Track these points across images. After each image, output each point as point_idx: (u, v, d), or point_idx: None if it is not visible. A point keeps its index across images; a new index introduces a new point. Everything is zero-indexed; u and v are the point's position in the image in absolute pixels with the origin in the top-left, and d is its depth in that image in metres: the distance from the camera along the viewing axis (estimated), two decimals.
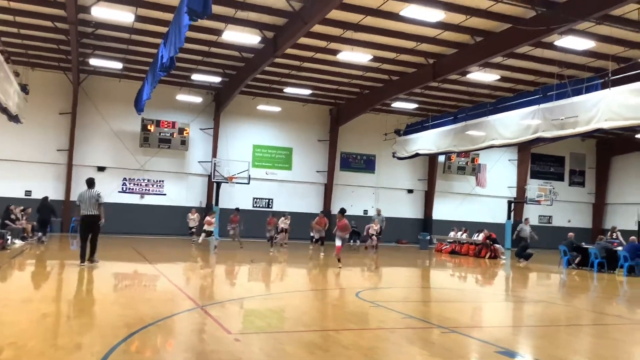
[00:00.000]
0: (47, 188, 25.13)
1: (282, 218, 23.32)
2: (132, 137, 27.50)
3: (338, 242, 15.84)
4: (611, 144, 35.66)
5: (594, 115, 16.72)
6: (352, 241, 27.13)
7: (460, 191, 34.19)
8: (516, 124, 20.40)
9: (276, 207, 28.59)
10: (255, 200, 29.88)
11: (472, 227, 27.19)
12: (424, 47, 20.48)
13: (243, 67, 23.71)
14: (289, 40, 18.58)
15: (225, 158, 28.16)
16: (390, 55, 21.60)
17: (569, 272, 18.22)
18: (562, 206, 35.43)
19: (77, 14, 17.80)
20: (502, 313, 10.14)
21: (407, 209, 32.96)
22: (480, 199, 34.38)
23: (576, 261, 19.08)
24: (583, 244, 20.35)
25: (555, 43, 18.48)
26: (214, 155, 28.34)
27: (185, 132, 27.92)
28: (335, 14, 17.28)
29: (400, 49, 20.83)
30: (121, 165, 27.44)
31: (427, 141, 26.18)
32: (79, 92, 26.40)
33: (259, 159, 30.03)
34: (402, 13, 16.87)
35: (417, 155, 27.54)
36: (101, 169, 26.95)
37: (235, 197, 27.93)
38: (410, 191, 33.31)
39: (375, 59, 21.73)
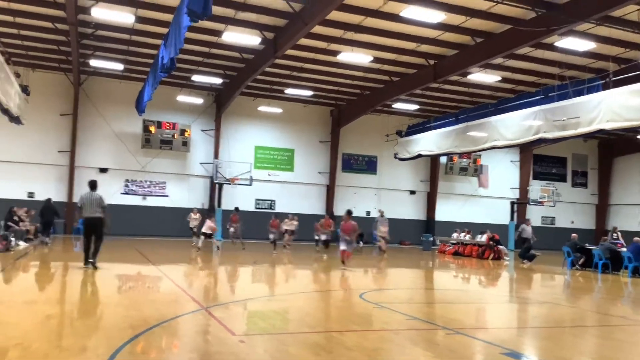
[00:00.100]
0: (50, 190, 25.19)
1: (286, 220, 23.32)
2: (133, 139, 27.51)
3: (342, 246, 15.07)
4: (613, 145, 35.67)
5: (596, 116, 16.71)
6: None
7: (462, 192, 34.17)
8: (518, 124, 20.40)
9: (278, 209, 28.59)
10: (257, 201, 29.88)
11: (475, 228, 27.16)
12: (425, 48, 20.48)
13: (243, 68, 23.72)
14: (289, 41, 18.59)
15: (227, 159, 28.17)
16: (391, 56, 21.60)
17: (573, 273, 18.19)
18: (565, 207, 35.41)
19: (77, 14, 17.84)
20: (507, 314, 10.11)
21: (410, 210, 32.95)
22: (483, 200, 34.35)
23: (580, 262, 19.04)
24: (587, 245, 20.31)
25: (556, 44, 18.49)
26: (216, 156, 28.36)
27: (186, 133, 27.94)
28: (335, 15, 17.29)
29: (400, 50, 20.83)
30: (123, 166, 27.46)
31: (429, 142, 26.16)
32: (79, 93, 26.44)
33: (261, 160, 30.04)
34: (402, 14, 16.88)
35: (419, 156, 27.52)
36: (103, 170, 26.96)
37: (237, 199, 27.91)
38: (412, 192, 33.30)
39: (376, 60, 21.74)
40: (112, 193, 25.54)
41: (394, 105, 28.86)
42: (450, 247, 25.63)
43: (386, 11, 17.25)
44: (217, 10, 15.91)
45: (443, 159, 32.65)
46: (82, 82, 26.40)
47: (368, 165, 32.31)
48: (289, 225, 23.32)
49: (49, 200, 20.74)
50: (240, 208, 26.56)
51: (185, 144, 27.98)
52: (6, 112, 18.37)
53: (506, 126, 21.12)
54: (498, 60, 20.84)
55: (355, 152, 31.97)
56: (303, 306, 9.29)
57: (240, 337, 6.43)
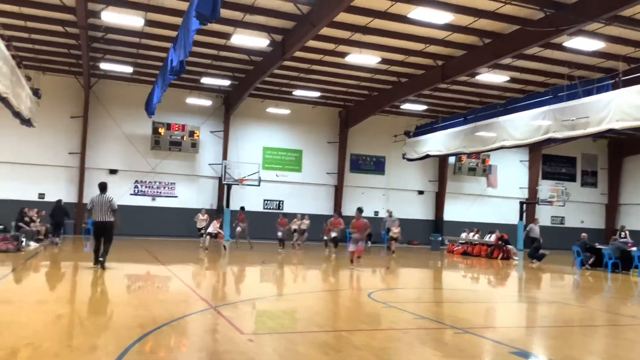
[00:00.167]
0: (60, 191, 25.40)
1: (295, 219, 23.39)
2: (143, 140, 27.69)
3: (351, 247, 15.16)
4: (623, 145, 35.40)
5: (605, 116, 16.61)
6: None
7: (471, 192, 34.05)
8: (527, 124, 20.31)
9: (287, 209, 28.64)
10: (265, 202, 29.96)
11: (483, 228, 27.05)
12: (433, 49, 20.45)
13: (252, 70, 23.80)
14: (297, 43, 18.63)
15: (236, 160, 28.26)
16: (399, 57, 21.58)
17: (582, 272, 18.09)
18: (574, 207, 35.19)
19: (87, 18, 17.98)
20: (516, 314, 10.09)
21: (418, 210, 32.88)
22: (492, 200, 34.22)
23: (590, 262, 18.94)
24: (596, 244, 20.20)
25: (565, 44, 18.39)
26: (224, 157, 28.47)
27: (195, 134, 28.07)
28: (343, 17, 17.29)
29: (408, 51, 20.81)
30: (133, 168, 27.64)
31: (437, 142, 26.10)
32: (90, 96, 26.65)
33: (269, 161, 30.12)
34: (410, 15, 16.86)
35: (427, 156, 27.47)
36: (113, 171, 27.16)
37: (246, 199, 28.00)
38: (420, 192, 33.24)
39: (384, 61, 21.73)
40: (121, 194, 25.72)
41: (402, 106, 28.83)
42: (459, 247, 25.56)
43: (394, 12, 17.23)
44: (225, 13, 15.99)
45: (451, 159, 32.56)
46: (92, 85, 26.61)
47: (376, 166, 32.29)
48: (298, 224, 23.39)
49: (59, 201, 20.94)
50: (249, 208, 26.66)
51: (194, 145, 28.12)
52: (18, 115, 18.56)
53: (515, 126, 21.03)
54: (507, 61, 20.76)
55: (363, 152, 31.97)
56: (311, 305, 9.32)
57: (249, 336, 6.47)
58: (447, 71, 21.55)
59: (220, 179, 28.24)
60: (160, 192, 28.26)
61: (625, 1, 14.16)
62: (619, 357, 6.48)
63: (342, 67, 23.26)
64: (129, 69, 24.52)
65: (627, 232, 22.77)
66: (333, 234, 20.67)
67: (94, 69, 24.82)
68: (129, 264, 14.95)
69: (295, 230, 23.37)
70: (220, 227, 20.49)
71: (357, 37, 19.20)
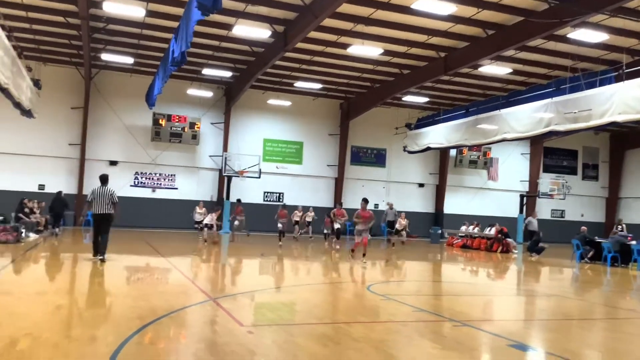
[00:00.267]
0: (60, 182, 25.43)
1: (296, 211, 23.42)
2: (143, 132, 27.67)
3: (357, 238, 14.87)
4: (625, 138, 35.30)
5: (608, 109, 16.54)
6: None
7: (472, 185, 34.04)
8: (529, 117, 20.25)
9: (287, 201, 28.59)
10: (266, 194, 29.96)
11: (483, 221, 27.05)
12: (435, 40, 20.35)
13: (253, 61, 23.72)
14: (299, 34, 18.54)
15: (236, 152, 28.23)
16: (401, 48, 21.49)
17: (581, 266, 18.10)
18: (575, 200, 35.17)
19: (88, 9, 17.90)
20: (514, 307, 10.10)
21: (418, 203, 32.88)
22: (492, 193, 34.22)
23: (589, 255, 18.94)
24: (596, 238, 20.19)
25: (569, 36, 18.28)
26: (225, 149, 28.44)
27: (196, 126, 28.04)
28: (345, 8, 17.18)
29: (411, 42, 20.71)
30: (133, 159, 27.64)
31: (439, 135, 26.05)
32: (90, 87, 26.59)
33: (270, 153, 30.09)
34: (413, 6, 16.76)
35: (428, 149, 27.43)
36: (113, 163, 27.17)
37: (246, 191, 28.02)
38: (421, 185, 33.23)
39: (386, 52, 21.63)
40: (121, 185, 25.73)
41: (403, 98, 28.75)
42: (459, 240, 25.56)
43: (397, 3, 17.12)
44: (227, 3, 15.91)
45: (452, 152, 32.50)
46: (93, 75, 26.54)
47: (377, 158, 32.25)
48: (299, 216, 23.41)
49: (59, 192, 20.96)
50: (249, 201, 26.72)
51: (194, 137, 28.08)
52: (18, 105, 18.54)
53: (517, 119, 20.97)
54: (509, 53, 20.65)
55: (364, 144, 31.92)
56: (310, 298, 9.33)
57: (248, 328, 6.48)
58: (450, 63, 21.46)
59: (220, 170, 28.22)
60: (161, 184, 28.27)
61: None
62: (617, 350, 6.48)
63: (343, 59, 23.17)
64: (129, 60, 24.44)
65: (624, 226, 22.83)
66: (337, 226, 20.72)
67: (95, 59, 24.75)
68: (128, 256, 14.97)
69: (296, 222, 23.39)
70: (219, 219, 20.45)
71: (360, 28, 19.10)
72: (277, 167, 30.05)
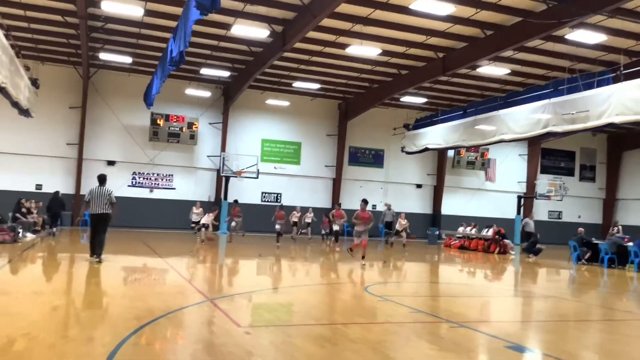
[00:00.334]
0: (58, 182, 25.38)
1: (294, 212, 23.39)
2: (141, 132, 27.63)
3: (356, 240, 14.73)
4: (622, 139, 35.35)
5: (605, 110, 16.57)
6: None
7: (469, 186, 34.07)
8: (526, 118, 20.28)
9: (285, 202, 28.61)
10: (263, 194, 29.95)
11: (481, 222, 27.08)
12: (434, 40, 20.36)
13: (252, 61, 23.71)
14: (297, 34, 18.54)
15: (234, 152, 28.21)
16: (400, 49, 21.50)
17: (578, 267, 18.13)
18: (572, 201, 35.19)
19: (86, 8, 17.88)
20: (512, 308, 10.11)
21: (416, 203, 32.89)
22: (490, 194, 34.25)
23: (586, 257, 18.97)
24: (593, 239, 20.23)
25: (567, 37, 18.30)
26: (223, 149, 28.41)
27: (194, 126, 28.01)
28: (344, 8, 17.18)
29: (409, 42, 20.72)
30: (131, 159, 27.59)
31: (436, 136, 26.07)
32: (88, 87, 26.54)
33: (268, 153, 30.08)
34: (411, 6, 16.77)
35: (426, 149, 27.45)
36: (111, 163, 27.12)
37: (244, 192, 28.00)
38: (419, 186, 33.24)
39: (385, 52, 21.64)
40: (119, 185, 25.65)
41: (402, 99, 28.75)
42: (456, 241, 25.59)
43: (395, 3, 17.13)
44: (225, 3, 15.91)
45: (450, 153, 32.53)
46: (91, 75, 26.50)
47: (375, 159, 32.26)
48: (297, 217, 23.37)
49: (57, 192, 20.90)
50: (247, 201, 26.67)
51: (192, 137, 28.05)
52: (16, 105, 18.49)
53: (515, 120, 21.00)
54: (508, 53, 20.67)
55: (362, 145, 31.93)
56: (308, 299, 9.33)
57: (245, 328, 6.47)
58: (448, 63, 21.47)
59: (218, 171, 28.21)
60: (158, 184, 28.23)
61: None
62: (614, 352, 6.49)
63: (342, 59, 23.17)
64: (128, 60, 24.41)
65: (620, 228, 22.89)
66: (335, 227, 20.56)
67: (93, 59, 24.71)
68: (125, 256, 14.95)
69: (295, 224, 23.34)
70: (216, 219, 20.37)
71: (358, 28, 19.10)
72: (275, 168, 30.04)
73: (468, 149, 31.00)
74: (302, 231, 23.83)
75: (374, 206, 30.40)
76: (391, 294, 10.23)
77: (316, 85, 27.65)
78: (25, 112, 20.35)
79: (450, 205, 33.25)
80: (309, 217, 23.91)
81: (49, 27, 21.07)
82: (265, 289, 10.29)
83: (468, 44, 20.19)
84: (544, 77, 23.98)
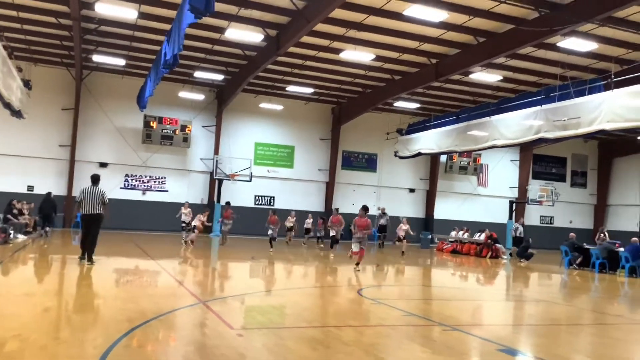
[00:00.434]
0: (50, 183, 25.25)
1: (289, 217, 23.27)
2: (134, 134, 27.56)
3: (355, 248, 14.21)
4: (613, 146, 35.67)
5: (597, 117, 16.73)
6: None
7: (461, 191, 34.22)
8: (518, 124, 20.41)
9: (278, 205, 28.64)
10: (257, 197, 29.93)
11: (473, 226, 27.21)
12: (427, 47, 20.48)
13: (246, 65, 23.72)
14: (291, 38, 18.59)
15: (227, 155, 28.20)
16: (393, 54, 21.60)
17: (570, 272, 18.23)
18: (563, 207, 35.43)
19: (80, 10, 17.83)
20: (504, 312, 10.16)
21: (409, 208, 32.95)
22: (482, 199, 34.41)
23: (577, 261, 19.10)
24: (584, 244, 20.37)
25: (558, 44, 18.48)
26: (216, 152, 28.38)
27: (187, 129, 27.97)
28: (338, 13, 17.28)
29: (403, 48, 20.83)
30: (123, 161, 27.51)
31: (429, 141, 26.19)
32: (81, 88, 26.45)
33: (261, 156, 30.07)
34: (405, 13, 16.87)
35: (419, 154, 27.56)
36: (103, 165, 27.01)
37: (237, 195, 27.97)
38: (411, 190, 33.34)
39: (378, 58, 21.74)
40: (111, 188, 25.54)
41: (395, 104, 28.87)
42: (449, 245, 25.68)
43: (389, 9, 17.22)
44: (220, 6, 15.93)
45: (443, 158, 32.68)
46: (84, 77, 26.41)
47: (368, 163, 32.34)
48: (292, 222, 23.24)
49: (49, 193, 20.81)
50: (240, 204, 26.61)
51: (185, 139, 28.01)
52: (8, 106, 18.41)
53: (507, 125, 21.14)
54: (500, 60, 20.83)
55: (355, 149, 32.00)
56: (301, 301, 9.33)
57: (238, 331, 6.47)
58: (441, 69, 21.59)
59: (211, 173, 28.16)
60: (151, 186, 28.14)
61: (619, 2, 14.24)
62: (605, 355, 6.54)
63: (336, 64, 23.24)
64: (121, 62, 24.36)
65: (606, 234, 23.11)
66: (332, 233, 20.22)
67: (86, 61, 24.64)
68: (118, 258, 14.88)
69: (290, 229, 23.21)
70: (208, 221, 20.20)
71: (352, 33, 19.18)
72: (268, 171, 30.04)
73: (461, 154, 31.17)
74: (308, 237, 23.68)
75: None
76: (384, 297, 10.25)
77: (310, 90, 27.70)
78: (17, 114, 20.25)
79: (443, 210, 33.36)
80: (308, 223, 23.78)
81: (42, 29, 20.99)
82: (258, 292, 10.28)
83: (461, 50, 20.32)
84: (535, 84, 24.17)
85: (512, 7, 16.35)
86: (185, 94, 27.94)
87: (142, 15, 18.76)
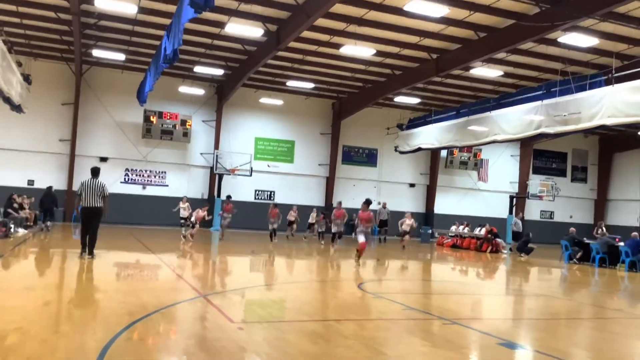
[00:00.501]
0: (50, 178, 25.24)
1: (291, 211, 23.22)
2: (134, 128, 27.55)
3: (361, 238, 14.09)
4: (613, 141, 35.65)
5: (597, 112, 16.72)
6: (354, 234, 27.23)
7: (462, 186, 34.23)
8: (519, 119, 20.41)
9: (278, 200, 28.63)
10: (257, 192, 29.94)
11: (473, 221, 27.22)
12: (428, 42, 20.44)
13: (246, 60, 23.69)
14: (292, 33, 18.55)
15: (228, 150, 28.20)
16: (394, 49, 21.56)
17: (570, 267, 18.26)
18: (564, 202, 35.46)
19: (80, 4, 17.80)
20: (503, 306, 10.18)
21: (409, 202, 32.97)
22: (482, 194, 34.43)
23: (578, 256, 19.12)
24: (585, 239, 20.39)
25: (559, 40, 18.45)
26: (216, 147, 28.39)
27: (187, 124, 27.95)
28: (338, 8, 17.23)
29: (403, 43, 20.79)
30: (123, 156, 27.51)
31: (430, 136, 26.18)
32: (81, 83, 26.43)
33: (261, 151, 30.07)
34: (405, 8, 16.83)
35: (419, 149, 27.56)
36: (103, 159, 27.01)
37: (237, 190, 27.92)
38: (412, 185, 33.35)
39: (379, 53, 21.69)
40: (112, 182, 25.56)
41: (395, 99, 28.84)
42: (449, 240, 25.70)
43: (390, 4, 17.19)
44: (219, 1, 15.91)
45: (443, 153, 32.67)
46: (84, 71, 26.38)
47: (368, 158, 32.34)
48: (294, 216, 23.24)
49: (50, 188, 20.82)
50: (240, 198, 26.60)
51: (186, 134, 28.00)
52: (8, 100, 18.39)
53: (507, 120, 21.13)
54: (501, 55, 20.80)
55: (355, 144, 31.99)
56: (301, 295, 9.35)
57: (238, 324, 6.49)
58: (442, 64, 21.56)
59: (211, 168, 28.17)
60: (151, 181, 28.16)
61: None
62: (604, 350, 6.56)
63: (336, 59, 23.20)
64: (121, 57, 24.33)
65: (604, 229, 23.16)
66: (334, 228, 20.05)
67: (86, 55, 24.60)
68: (118, 252, 14.90)
69: (291, 223, 23.22)
70: (208, 215, 20.19)
71: (352, 28, 19.14)
72: (268, 166, 30.04)
73: (461, 149, 31.18)
74: (311, 232, 23.72)
75: None
76: (384, 291, 10.28)
77: (310, 85, 27.66)
78: (17, 108, 20.23)
79: (443, 205, 33.39)
80: (312, 217, 23.80)
81: (42, 23, 20.95)
82: (258, 286, 10.30)
83: (461, 45, 20.28)
84: (536, 79, 24.13)
85: (513, 2, 16.33)
86: (185, 89, 27.91)
87: (142, 10, 18.72)
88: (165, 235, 22.10)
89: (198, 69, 25.59)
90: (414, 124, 28.39)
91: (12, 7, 19.32)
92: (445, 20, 18.07)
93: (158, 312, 6.77)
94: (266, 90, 29.10)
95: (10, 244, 14.55)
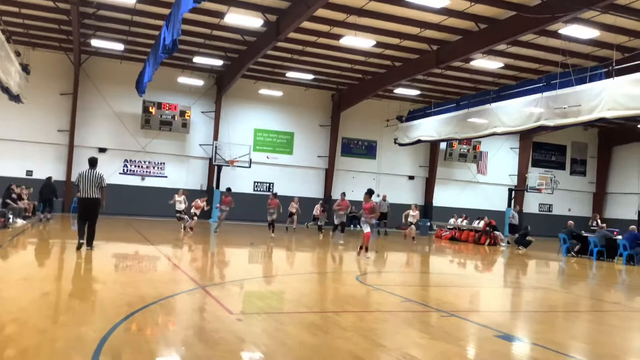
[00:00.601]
0: (48, 168, 25.22)
1: (292, 202, 23.21)
2: (133, 119, 27.48)
3: (367, 229, 14.15)
4: (613, 134, 35.62)
5: (597, 105, 16.68)
6: (352, 226, 27.32)
7: (461, 178, 34.24)
8: (519, 111, 20.36)
9: (277, 191, 28.59)
10: (256, 184, 29.93)
11: (472, 214, 27.25)
12: (428, 33, 20.35)
13: (245, 50, 23.59)
14: (291, 24, 18.46)
15: (227, 141, 28.16)
16: (394, 41, 21.47)
17: (568, 259, 18.30)
18: (562, 195, 35.50)
19: None
20: (501, 298, 10.20)
21: (408, 195, 32.98)
22: (481, 187, 34.44)
23: (576, 249, 19.16)
24: (583, 232, 20.43)
25: (560, 31, 18.37)
26: (215, 138, 28.33)
27: (186, 114, 27.87)
28: None
29: (403, 34, 20.70)
30: (122, 146, 27.46)
31: (429, 128, 26.14)
32: (80, 73, 26.33)
33: (260, 143, 30.03)
34: None
35: (418, 141, 27.53)
36: (102, 150, 26.96)
37: (236, 181, 27.94)
38: (411, 177, 33.35)
39: (379, 44, 21.60)
40: (110, 173, 25.54)
41: (395, 91, 28.76)
42: (447, 232, 25.75)
43: None
44: None
45: (443, 145, 32.65)
46: (82, 61, 26.27)
47: (368, 150, 32.31)
48: (295, 208, 23.20)
49: (49, 178, 20.80)
50: (239, 190, 26.59)
51: (185, 125, 27.93)
52: (6, 90, 18.32)
53: (507, 113, 21.09)
54: (501, 47, 20.72)
55: (355, 136, 31.95)
56: (300, 287, 9.37)
57: (237, 315, 6.50)
58: (442, 56, 21.48)
59: (210, 159, 28.15)
60: (150, 172, 28.13)
61: None
62: (601, 342, 6.58)
63: (336, 50, 23.11)
64: (120, 47, 24.20)
65: (598, 221, 23.20)
66: (337, 220, 19.82)
67: (85, 45, 24.48)
68: (117, 243, 14.91)
69: (292, 214, 23.20)
70: (207, 205, 20.14)
71: (352, 19, 19.04)
72: (267, 157, 30.01)
73: (460, 141, 31.15)
74: (314, 223, 23.75)
75: None
76: (383, 283, 10.30)
77: (310, 76, 27.57)
78: (15, 98, 20.17)
79: (442, 197, 33.41)
80: (317, 209, 23.78)
81: (40, 13, 20.83)
82: (257, 277, 10.31)
83: (462, 37, 20.20)
84: (536, 71, 24.06)
85: None
86: (184, 80, 27.82)
87: (141, 0, 18.59)
88: (164, 226, 22.10)
89: (197, 59, 25.48)
90: (413, 116, 28.33)
91: None
92: (445, 11, 17.98)
93: (157, 303, 6.78)
94: (265, 81, 29.01)
95: (8, 234, 14.56)
